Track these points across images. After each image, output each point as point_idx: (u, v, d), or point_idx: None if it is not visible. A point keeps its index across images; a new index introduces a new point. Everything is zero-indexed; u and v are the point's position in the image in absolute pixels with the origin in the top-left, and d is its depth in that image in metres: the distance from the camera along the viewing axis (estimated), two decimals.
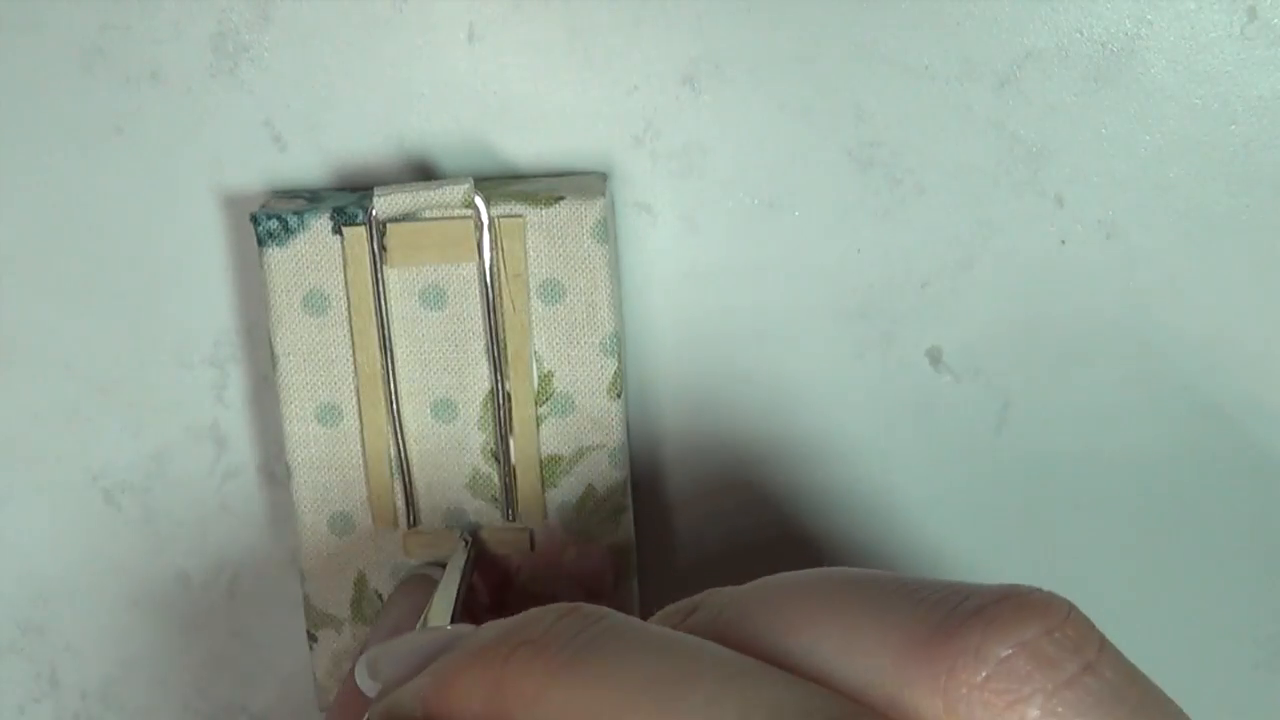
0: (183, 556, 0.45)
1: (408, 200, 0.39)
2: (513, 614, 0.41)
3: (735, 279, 0.42)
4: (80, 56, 0.41)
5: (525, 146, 0.41)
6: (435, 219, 0.39)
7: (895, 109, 0.41)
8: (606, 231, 0.39)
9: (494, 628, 0.29)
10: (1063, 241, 0.42)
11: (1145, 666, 0.46)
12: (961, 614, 0.26)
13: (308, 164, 0.42)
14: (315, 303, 0.40)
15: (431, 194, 0.39)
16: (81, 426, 0.44)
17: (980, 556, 0.44)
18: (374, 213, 0.39)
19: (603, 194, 0.40)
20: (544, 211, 0.39)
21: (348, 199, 0.40)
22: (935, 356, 0.43)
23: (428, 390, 0.40)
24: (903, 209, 0.41)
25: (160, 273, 0.43)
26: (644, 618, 0.41)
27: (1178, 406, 0.43)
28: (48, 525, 0.45)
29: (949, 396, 0.43)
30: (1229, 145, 0.41)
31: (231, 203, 0.42)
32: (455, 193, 0.39)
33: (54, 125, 0.42)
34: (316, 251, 0.39)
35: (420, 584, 0.41)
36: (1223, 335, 0.42)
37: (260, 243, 0.39)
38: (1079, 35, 0.40)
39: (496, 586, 0.42)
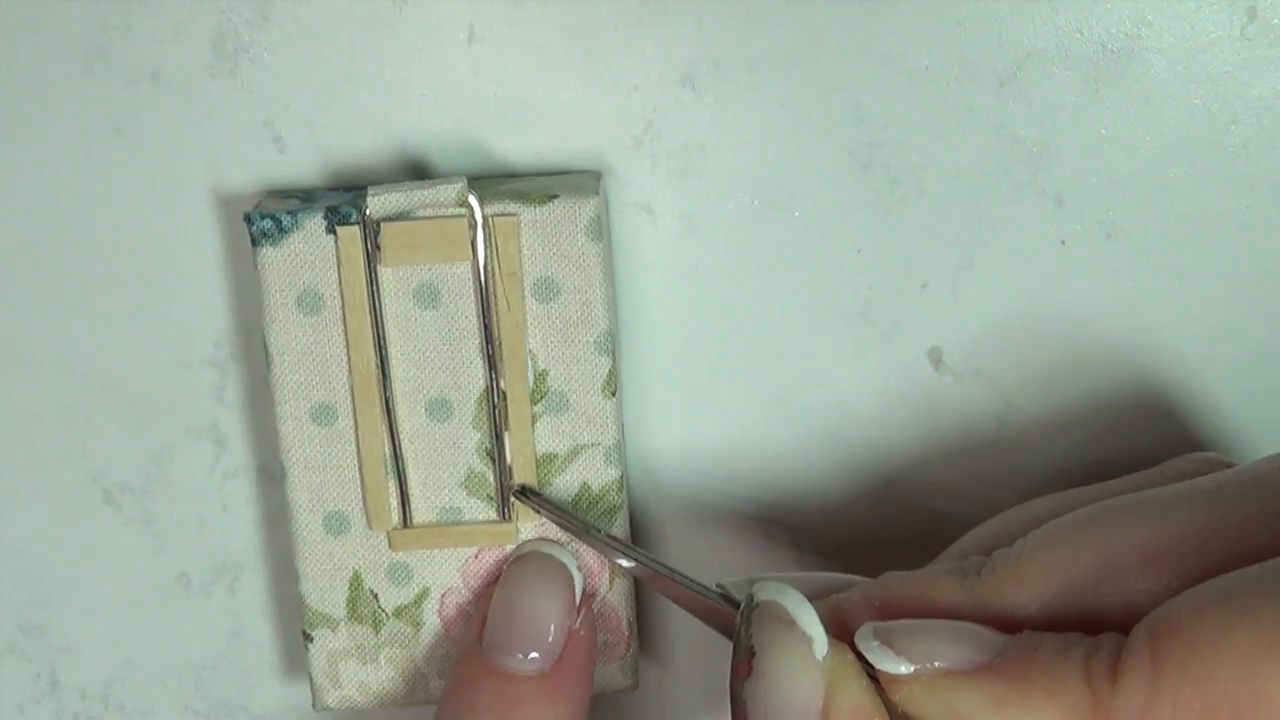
0: (183, 556, 0.45)
1: (401, 199, 0.39)
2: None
3: (735, 279, 0.42)
4: (80, 57, 0.41)
5: (525, 147, 0.41)
6: (429, 218, 0.39)
7: (895, 109, 0.41)
8: (600, 229, 0.39)
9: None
10: (1063, 242, 0.42)
11: None
12: None
13: (308, 164, 0.42)
14: (309, 302, 0.40)
15: (425, 193, 0.39)
16: (81, 426, 0.44)
17: None
18: (367, 212, 0.39)
19: (596, 192, 0.40)
20: (538, 210, 0.39)
21: (341, 198, 0.40)
22: (936, 357, 0.43)
23: (422, 389, 0.40)
24: (903, 209, 0.41)
25: (160, 273, 0.43)
26: (638, 616, 0.42)
27: (1177, 407, 0.43)
28: (48, 525, 0.45)
29: (949, 397, 0.43)
30: (1229, 145, 0.41)
31: (232, 203, 0.42)
32: (449, 191, 0.39)
33: (54, 125, 0.42)
34: (310, 251, 0.40)
35: (533, 559, 0.41)
36: (1223, 335, 0.42)
37: (254, 242, 0.39)
38: (1079, 36, 0.40)
39: (489, 584, 0.42)
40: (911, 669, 0.33)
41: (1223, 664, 0.30)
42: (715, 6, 0.40)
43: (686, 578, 0.39)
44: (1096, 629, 0.33)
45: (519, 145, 0.41)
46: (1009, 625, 0.34)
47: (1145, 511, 0.34)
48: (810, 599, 0.35)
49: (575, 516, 0.41)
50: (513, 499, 0.41)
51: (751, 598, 0.35)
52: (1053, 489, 0.43)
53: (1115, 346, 0.42)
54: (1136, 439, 0.43)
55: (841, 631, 0.35)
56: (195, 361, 0.44)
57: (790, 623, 0.34)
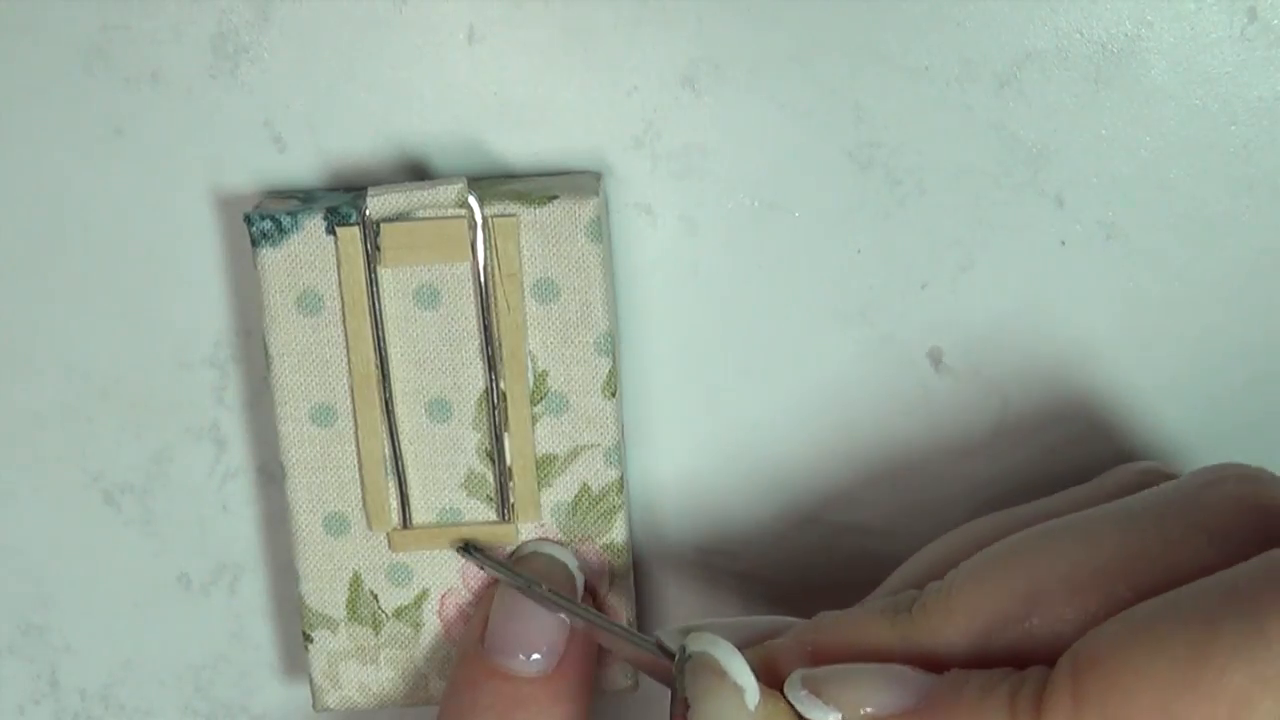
0: (183, 556, 0.45)
1: (401, 200, 0.39)
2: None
3: (735, 279, 0.42)
4: (80, 57, 0.41)
5: (525, 148, 0.41)
6: (429, 219, 0.39)
7: (895, 109, 0.41)
8: (600, 230, 0.39)
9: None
10: (1063, 242, 0.42)
11: None
12: None
13: (307, 165, 0.42)
14: (309, 303, 0.40)
15: (425, 193, 0.39)
16: (81, 427, 0.44)
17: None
18: (367, 212, 0.39)
19: (596, 193, 0.40)
20: (537, 211, 0.39)
21: (341, 199, 0.40)
22: (935, 357, 0.43)
23: (422, 390, 0.40)
24: (903, 209, 0.41)
25: (160, 273, 0.43)
26: (639, 618, 0.42)
27: (1177, 407, 0.43)
28: (48, 525, 0.45)
29: (949, 397, 0.43)
30: (1229, 146, 0.41)
31: (232, 203, 0.42)
32: (449, 192, 0.39)
33: (54, 126, 0.42)
34: (310, 252, 0.40)
35: (534, 560, 0.41)
36: (1222, 335, 0.42)
37: (254, 243, 0.39)
38: (1079, 36, 0.40)
39: (489, 585, 0.42)
40: (839, 717, 0.33)
41: (1141, 697, 0.30)
42: (715, 6, 0.40)
43: (625, 629, 0.39)
44: (1029, 663, 0.32)
45: (519, 145, 0.41)
46: (941, 663, 0.34)
47: (1071, 537, 0.34)
48: (749, 643, 0.36)
49: (516, 572, 0.40)
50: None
51: (684, 648, 0.35)
52: (1053, 490, 0.43)
53: (1115, 347, 0.42)
54: (1138, 440, 0.43)
55: (775, 678, 0.35)
56: (195, 361, 0.44)
57: (721, 673, 0.34)
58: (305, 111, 0.41)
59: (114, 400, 0.44)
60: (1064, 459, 0.43)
